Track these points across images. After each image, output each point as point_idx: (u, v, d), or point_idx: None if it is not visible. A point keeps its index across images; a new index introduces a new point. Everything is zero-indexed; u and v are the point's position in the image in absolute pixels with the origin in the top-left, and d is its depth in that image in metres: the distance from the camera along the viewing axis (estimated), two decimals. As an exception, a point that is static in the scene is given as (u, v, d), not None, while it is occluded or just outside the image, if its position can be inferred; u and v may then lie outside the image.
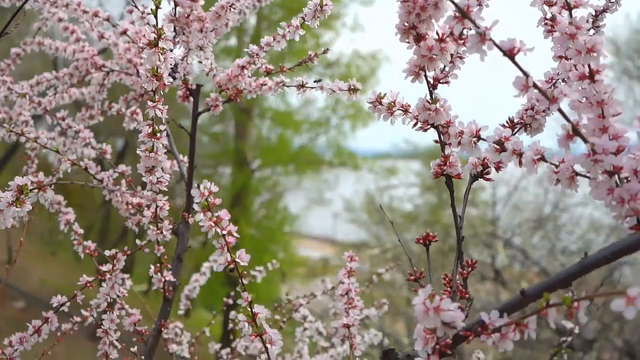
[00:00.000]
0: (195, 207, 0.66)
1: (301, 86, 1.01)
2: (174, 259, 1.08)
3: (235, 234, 0.68)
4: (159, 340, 1.07)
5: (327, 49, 1.08)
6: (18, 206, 0.71)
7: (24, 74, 1.63)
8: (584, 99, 0.59)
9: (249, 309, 0.69)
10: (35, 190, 0.73)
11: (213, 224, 0.67)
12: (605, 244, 6.87)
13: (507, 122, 0.74)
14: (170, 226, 0.96)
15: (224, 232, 0.67)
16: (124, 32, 1.13)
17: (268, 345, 0.69)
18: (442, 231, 7.93)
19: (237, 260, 0.68)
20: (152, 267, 1.02)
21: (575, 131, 0.55)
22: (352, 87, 0.91)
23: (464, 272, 0.68)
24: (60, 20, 1.24)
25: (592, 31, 0.76)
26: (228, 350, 1.43)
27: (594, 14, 0.76)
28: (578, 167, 0.59)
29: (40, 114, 1.34)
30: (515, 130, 0.73)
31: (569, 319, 1.25)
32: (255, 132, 12.13)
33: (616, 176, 0.57)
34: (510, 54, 0.54)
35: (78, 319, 1.20)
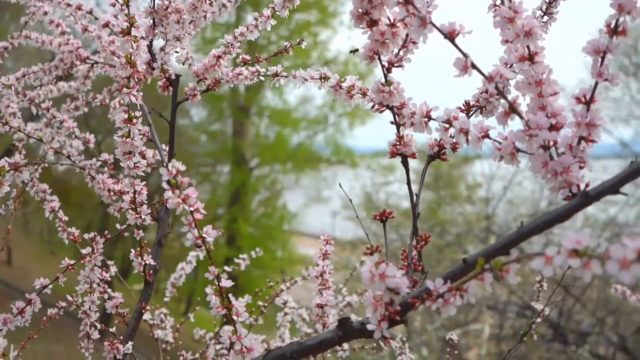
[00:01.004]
0: (164, 185, 0.69)
1: (275, 75, 1.05)
2: (154, 244, 1.12)
3: (203, 211, 0.71)
4: (140, 323, 1.11)
5: (302, 40, 1.12)
6: (-4, 187, 0.75)
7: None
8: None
9: (217, 283, 0.73)
10: (12, 172, 0.77)
11: (181, 201, 0.70)
12: (598, 238, 6.92)
13: (463, 104, 0.77)
14: (149, 210, 1.00)
15: (192, 209, 0.70)
16: (106, 25, 1.16)
17: (234, 317, 0.73)
18: (438, 227, 7.97)
19: (204, 235, 0.71)
20: (133, 251, 1.06)
21: (512, 109, 0.59)
22: (322, 75, 0.94)
23: (419, 246, 0.72)
24: (45, 13, 1.27)
25: (545, 17, 0.80)
26: (212, 334, 1.47)
27: (547, 0, 0.80)
28: (519, 144, 0.62)
29: (27, 106, 1.37)
30: (471, 112, 0.77)
31: (537, 300, 1.29)
32: (253, 131, 12.17)
33: (554, 151, 0.61)
34: (450, 36, 0.58)
35: (63, 304, 1.23)
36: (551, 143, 0.59)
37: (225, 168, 12.32)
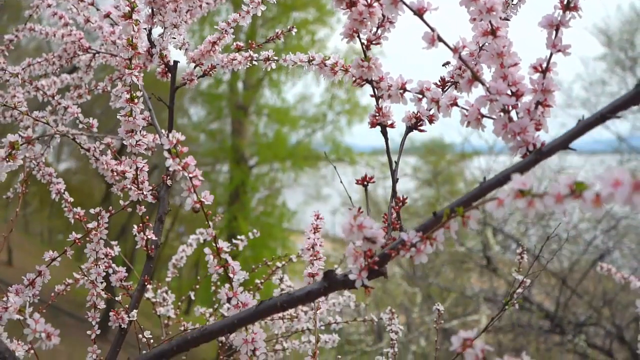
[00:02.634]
0: (165, 154, 0.76)
1: (267, 59, 1.12)
2: (155, 220, 1.19)
3: (201, 178, 0.78)
4: (143, 295, 1.18)
5: (292, 27, 1.19)
6: (10, 160, 0.81)
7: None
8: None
9: (214, 244, 0.80)
10: (25, 145, 0.83)
11: (181, 168, 0.77)
12: (594, 230, 6.99)
13: (439, 80, 0.84)
14: (150, 187, 1.07)
15: (191, 175, 0.77)
16: (107, 15, 1.23)
17: (231, 275, 0.80)
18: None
19: (202, 199, 0.78)
20: (135, 226, 1.12)
21: (474, 76, 0.66)
22: (310, 58, 1.01)
23: (397, 207, 0.79)
24: (49, 6, 1.34)
25: (515, 0, 0.87)
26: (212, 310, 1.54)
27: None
28: (484, 111, 0.69)
29: (32, 96, 1.44)
30: (447, 87, 0.84)
31: (518, 271, 1.35)
32: (252, 129, 12.25)
33: (514, 114, 0.67)
34: (419, 12, 0.65)
35: (70, 281, 1.30)
36: (510, 107, 0.65)
37: (224, 167, 12.40)
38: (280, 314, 1.39)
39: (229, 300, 0.78)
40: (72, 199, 1.29)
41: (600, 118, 0.59)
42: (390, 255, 0.68)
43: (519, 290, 1.25)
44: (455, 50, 0.65)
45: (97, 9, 1.27)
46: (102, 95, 1.55)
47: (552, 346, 6.32)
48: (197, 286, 1.64)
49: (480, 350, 0.53)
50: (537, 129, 0.65)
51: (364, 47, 0.77)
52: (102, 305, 1.11)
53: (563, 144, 0.61)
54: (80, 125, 1.26)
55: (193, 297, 1.57)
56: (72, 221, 1.25)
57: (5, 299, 0.80)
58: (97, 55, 1.39)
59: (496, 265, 6.41)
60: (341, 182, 1.21)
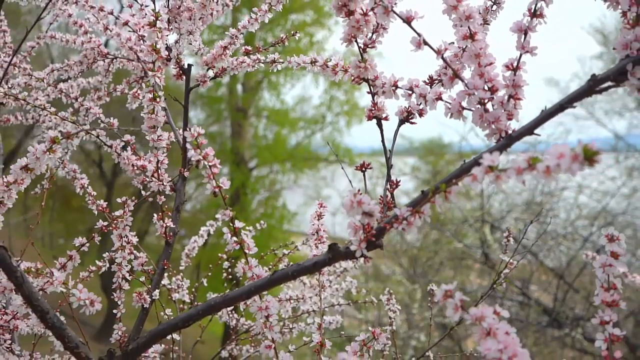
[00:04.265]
0: (188, 145, 0.87)
1: (273, 61, 1.23)
2: (173, 210, 1.30)
3: (219, 166, 0.89)
4: (163, 278, 1.29)
5: (296, 32, 1.30)
6: (51, 153, 0.92)
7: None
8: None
9: (231, 224, 0.91)
10: (65, 139, 0.95)
11: (202, 158, 0.88)
12: (591, 227, 7.11)
13: (427, 78, 0.95)
14: (170, 179, 1.18)
15: (210, 164, 0.89)
16: (126, 23, 1.34)
17: (246, 251, 0.91)
18: (437, 222, 8.16)
19: (220, 185, 0.89)
20: (155, 215, 1.24)
21: (455, 74, 0.77)
22: (312, 59, 1.12)
23: (391, 189, 0.90)
24: (70, 15, 1.45)
25: (494, 6, 0.98)
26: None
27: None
28: (464, 104, 0.81)
29: (52, 99, 1.55)
30: (434, 84, 0.95)
31: (505, 253, 1.46)
32: (252, 131, 12.36)
33: (490, 106, 0.79)
34: (408, 20, 0.76)
35: (93, 268, 1.40)
36: (486, 100, 0.77)
37: (224, 169, 12.50)
38: (288, 297, 1.50)
39: (244, 273, 0.90)
40: (94, 193, 1.41)
41: (559, 108, 0.70)
42: (385, 228, 0.79)
43: (506, 270, 1.37)
44: (438, 52, 0.76)
45: (117, 18, 1.38)
46: (105, 105, 1.66)
47: (551, 340, 6.42)
48: (210, 274, 1.76)
49: (459, 300, 0.65)
50: (509, 119, 0.77)
51: (360, 50, 0.88)
52: (126, 287, 1.22)
53: (529, 130, 0.72)
54: (102, 125, 1.37)
55: (206, 284, 1.68)
56: (96, 212, 1.36)
57: (49, 274, 0.91)
58: (114, 60, 1.50)
59: (495, 261, 6.51)
60: (346, 175, 1.31)
